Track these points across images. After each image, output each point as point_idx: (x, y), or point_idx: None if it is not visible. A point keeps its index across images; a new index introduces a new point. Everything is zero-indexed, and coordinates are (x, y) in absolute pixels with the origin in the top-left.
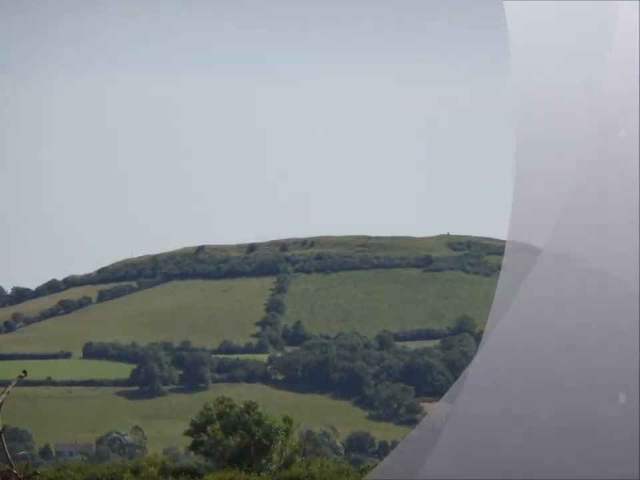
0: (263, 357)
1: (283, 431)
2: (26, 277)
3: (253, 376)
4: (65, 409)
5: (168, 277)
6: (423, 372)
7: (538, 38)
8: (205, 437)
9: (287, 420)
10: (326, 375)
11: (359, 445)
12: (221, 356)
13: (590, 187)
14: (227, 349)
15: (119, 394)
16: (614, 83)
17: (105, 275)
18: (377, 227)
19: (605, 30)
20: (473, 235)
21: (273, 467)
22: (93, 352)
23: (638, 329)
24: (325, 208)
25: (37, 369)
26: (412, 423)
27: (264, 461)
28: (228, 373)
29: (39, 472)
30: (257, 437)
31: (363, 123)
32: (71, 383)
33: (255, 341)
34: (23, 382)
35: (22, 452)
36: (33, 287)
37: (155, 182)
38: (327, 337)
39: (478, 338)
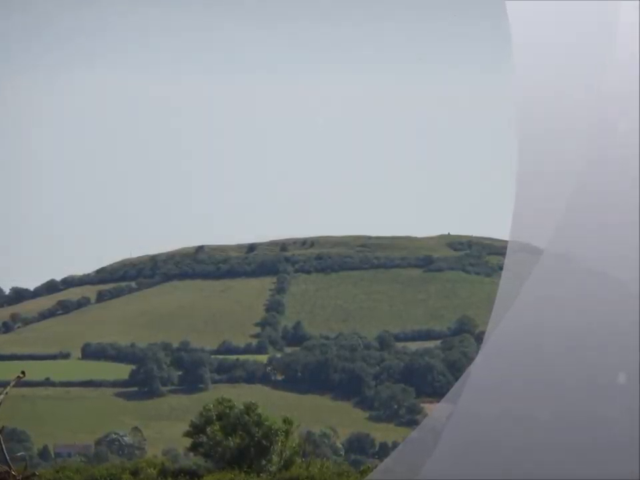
0: (263, 358)
1: (283, 432)
2: (24, 277)
3: (253, 376)
4: (63, 410)
5: (167, 277)
6: (423, 372)
7: (539, 38)
8: (204, 438)
9: (286, 421)
10: (326, 376)
11: (359, 446)
12: (220, 356)
13: (590, 187)
14: (227, 349)
15: (118, 395)
16: (614, 82)
17: (103, 275)
18: (377, 226)
19: (605, 30)
20: (474, 235)
21: (273, 468)
22: (91, 352)
23: (638, 328)
24: (325, 208)
25: (36, 370)
26: (412, 423)
27: (264, 462)
28: (227, 373)
29: (37, 473)
30: (256, 438)
31: (362, 123)
32: (70, 384)
33: (254, 342)
34: (21, 382)
35: (20, 453)
36: (31, 287)
37: (154, 182)
38: (327, 338)
39: (478, 338)
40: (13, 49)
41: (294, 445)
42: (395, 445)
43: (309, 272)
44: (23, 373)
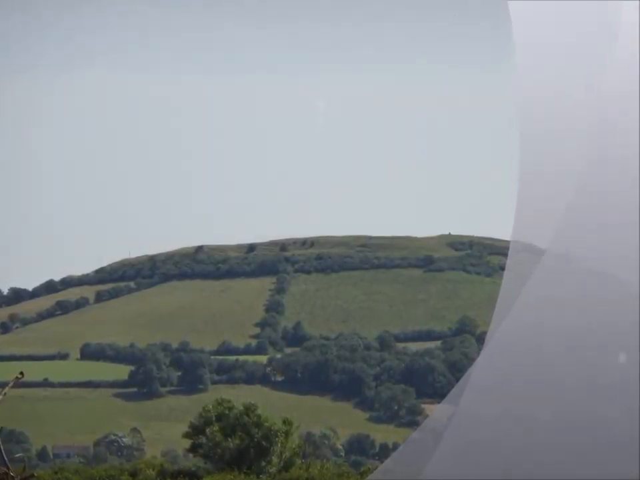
0: (263, 358)
1: (283, 432)
2: (23, 278)
3: (252, 377)
4: (62, 411)
5: (166, 277)
6: (424, 373)
7: (540, 38)
8: (203, 439)
9: (286, 422)
10: (326, 377)
11: (360, 447)
12: (220, 357)
13: (591, 187)
14: (226, 350)
15: (117, 395)
16: (614, 82)
17: (102, 276)
18: (377, 226)
19: (605, 30)
20: (475, 234)
21: (273, 469)
22: (90, 353)
23: (638, 328)
24: (325, 208)
25: (34, 370)
26: (413, 424)
27: (263, 463)
28: (227, 374)
29: (36, 474)
30: (256, 439)
31: (363, 122)
32: (69, 385)
33: (254, 342)
34: (20, 383)
35: (19, 454)
36: (29, 288)
37: (154, 182)
38: (327, 338)
39: (479, 339)
40: (12, 48)
41: (294, 446)
42: (396, 446)
43: (308, 272)
44: (21, 373)
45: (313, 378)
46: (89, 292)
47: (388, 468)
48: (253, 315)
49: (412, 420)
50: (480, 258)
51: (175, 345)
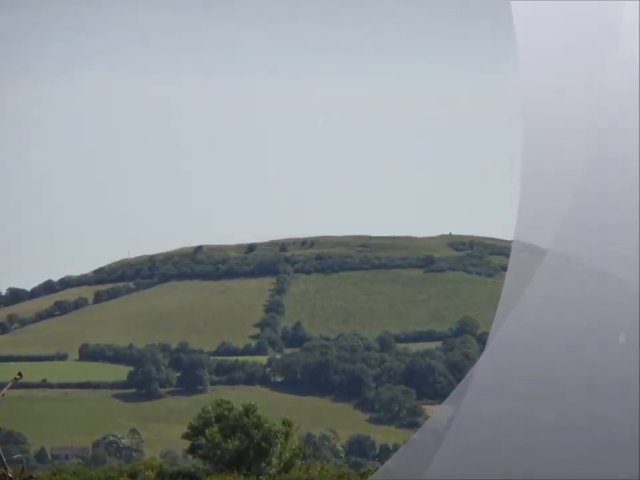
0: (262, 359)
1: (283, 434)
2: (21, 278)
3: (252, 378)
4: (61, 412)
5: (165, 278)
6: (424, 374)
7: (541, 38)
8: (203, 440)
9: (286, 423)
10: (326, 377)
11: (360, 448)
12: (219, 358)
13: (591, 187)
14: (226, 350)
15: (116, 396)
16: (614, 82)
17: (101, 276)
18: (377, 226)
19: (606, 30)
20: (475, 234)
21: (273, 471)
22: (89, 353)
23: (638, 328)
24: (325, 208)
25: (33, 371)
26: (413, 425)
27: (263, 465)
28: (226, 374)
29: (34, 475)
30: (256, 440)
31: (363, 122)
32: (67, 385)
33: (253, 343)
34: (18, 384)
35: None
36: (28, 288)
37: (154, 182)
38: (327, 339)
39: (480, 339)
40: (12, 48)
41: (294, 447)
42: (396, 447)
43: (308, 272)
44: (19, 374)
45: (312, 379)
46: (87, 292)
47: (388, 469)
48: (252, 316)
49: (412, 421)
50: (480, 258)
51: (174, 346)
